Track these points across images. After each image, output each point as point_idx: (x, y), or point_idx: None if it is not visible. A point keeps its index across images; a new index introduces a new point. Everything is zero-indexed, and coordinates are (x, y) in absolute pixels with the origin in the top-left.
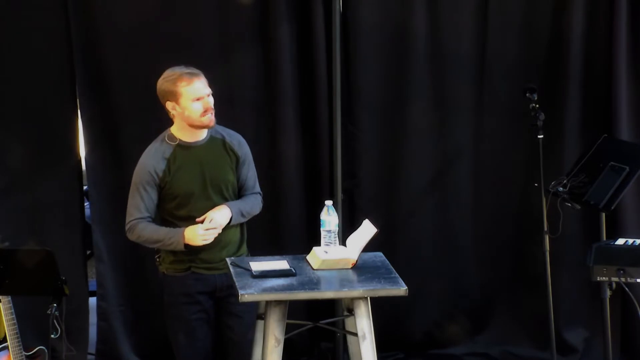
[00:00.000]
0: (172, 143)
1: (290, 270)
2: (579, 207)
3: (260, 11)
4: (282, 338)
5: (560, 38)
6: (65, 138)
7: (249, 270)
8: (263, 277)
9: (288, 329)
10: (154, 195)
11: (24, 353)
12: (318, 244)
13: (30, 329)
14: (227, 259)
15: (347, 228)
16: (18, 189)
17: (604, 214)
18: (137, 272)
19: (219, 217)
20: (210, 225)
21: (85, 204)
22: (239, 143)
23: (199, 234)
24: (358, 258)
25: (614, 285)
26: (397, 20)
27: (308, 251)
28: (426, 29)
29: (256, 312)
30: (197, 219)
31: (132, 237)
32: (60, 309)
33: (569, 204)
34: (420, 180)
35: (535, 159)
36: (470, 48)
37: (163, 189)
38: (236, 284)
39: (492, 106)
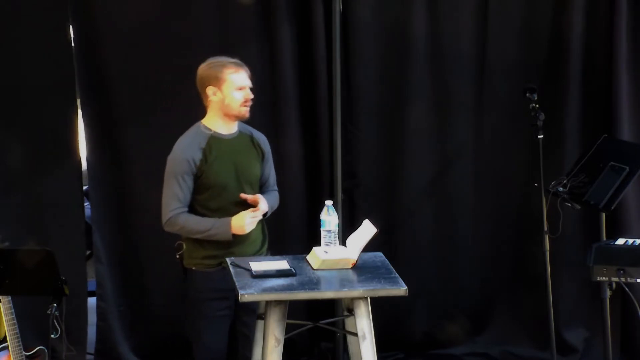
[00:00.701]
0: (208, 132)
1: (290, 270)
2: (579, 207)
3: (260, 11)
4: (282, 338)
5: (560, 38)
6: (65, 138)
7: (249, 270)
8: (263, 277)
9: (288, 329)
10: (191, 184)
11: (24, 353)
12: (318, 244)
13: (30, 329)
14: (227, 259)
15: (347, 228)
16: (18, 189)
17: (604, 214)
18: (136, 272)
19: (264, 203)
20: (256, 211)
21: (85, 204)
22: (264, 141)
23: (247, 221)
24: (358, 258)
25: (614, 285)
26: (397, 21)
27: (308, 251)
28: (426, 29)
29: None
30: (243, 195)
31: (172, 228)
32: (60, 309)
33: (569, 204)
34: (421, 180)
35: (535, 159)
36: (470, 48)
37: (199, 178)
38: (236, 284)
39: (492, 106)
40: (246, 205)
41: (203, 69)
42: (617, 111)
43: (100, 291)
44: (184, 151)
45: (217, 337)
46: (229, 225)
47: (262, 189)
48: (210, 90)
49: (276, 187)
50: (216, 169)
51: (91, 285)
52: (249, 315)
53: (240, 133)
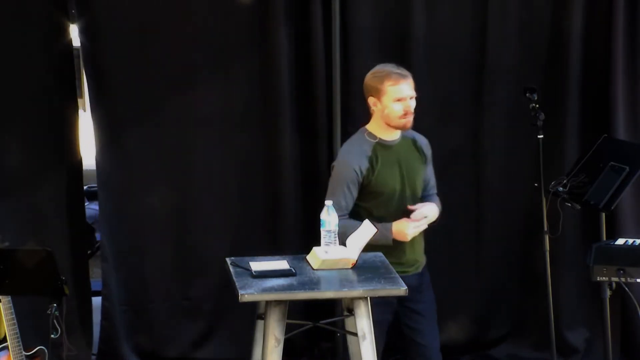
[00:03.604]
0: (372, 140)
1: (290, 270)
2: (579, 207)
3: (259, 13)
4: (282, 338)
5: (560, 38)
6: (66, 138)
7: (249, 270)
8: (263, 277)
9: (288, 329)
10: (355, 193)
11: (24, 353)
12: (318, 244)
13: (30, 329)
14: (227, 259)
15: None
16: (18, 189)
17: (604, 214)
18: (142, 272)
19: (428, 209)
20: (419, 219)
21: (85, 204)
22: (426, 144)
23: (409, 229)
24: (358, 258)
25: (614, 285)
26: (396, 21)
27: (308, 251)
28: (425, 30)
29: (435, 313)
30: (410, 207)
31: None
32: (60, 309)
33: (569, 204)
34: None
35: (535, 159)
36: (470, 48)
37: (365, 187)
38: (236, 284)
39: (491, 106)
40: (411, 212)
41: (367, 78)
42: (614, 111)
43: (106, 291)
44: (352, 160)
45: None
46: (389, 230)
47: (423, 193)
48: (371, 100)
49: (436, 191)
50: (383, 176)
51: (95, 285)
52: (416, 321)
53: (403, 138)
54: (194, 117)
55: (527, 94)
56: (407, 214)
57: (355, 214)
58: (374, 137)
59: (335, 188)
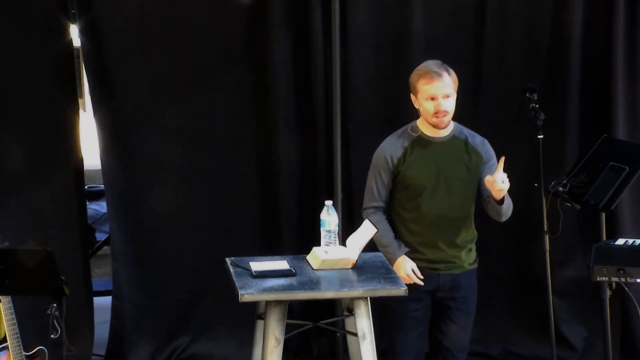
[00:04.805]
0: (414, 134)
1: (290, 270)
2: (579, 207)
3: (258, 12)
4: (282, 338)
5: (560, 38)
6: (66, 138)
7: (249, 270)
8: (263, 277)
9: (288, 329)
10: (387, 181)
11: (23, 353)
12: (318, 244)
13: (30, 329)
14: (227, 259)
15: (347, 228)
16: (19, 189)
17: (604, 214)
18: (153, 271)
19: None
20: (415, 277)
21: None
22: (482, 142)
23: (402, 272)
24: (358, 258)
25: (614, 285)
26: (396, 21)
27: (307, 251)
28: (424, 29)
29: (472, 320)
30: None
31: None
32: (60, 309)
33: (569, 204)
34: None
35: (535, 159)
36: (469, 48)
37: (397, 176)
38: (236, 284)
39: (491, 106)
40: (439, 220)
41: (411, 76)
42: (613, 111)
43: (116, 290)
44: (387, 148)
45: (407, 336)
46: (395, 258)
47: (485, 192)
48: (412, 97)
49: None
50: (413, 169)
51: (96, 285)
52: (443, 323)
53: (453, 137)
54: (195, 116)
55: (527, 94)
56: (437, 217)
57: (389, 204)
58: (417, 131)
59: (370, 173)
